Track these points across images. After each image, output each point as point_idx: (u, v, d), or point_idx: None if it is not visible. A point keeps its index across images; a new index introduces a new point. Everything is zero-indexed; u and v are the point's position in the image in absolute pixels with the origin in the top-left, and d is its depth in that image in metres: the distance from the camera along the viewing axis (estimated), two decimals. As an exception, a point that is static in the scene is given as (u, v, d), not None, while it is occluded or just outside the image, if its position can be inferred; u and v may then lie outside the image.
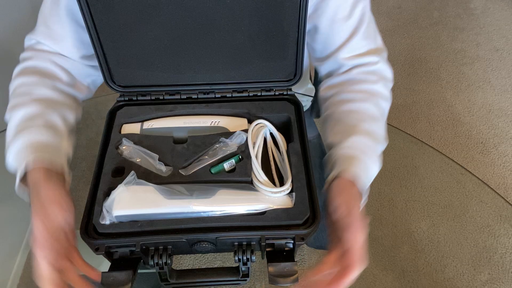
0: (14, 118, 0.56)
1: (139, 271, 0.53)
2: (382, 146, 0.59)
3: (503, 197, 0.85)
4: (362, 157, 0.54)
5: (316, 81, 0.99)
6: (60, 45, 0.63)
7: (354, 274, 0.46)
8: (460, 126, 1.64)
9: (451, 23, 2.06)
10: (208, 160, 0.57)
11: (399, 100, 1.72)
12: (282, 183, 0.56)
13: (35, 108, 0.56)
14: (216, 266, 1.11)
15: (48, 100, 0.58)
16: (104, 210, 0.51)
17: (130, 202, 0.51)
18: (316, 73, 1.01)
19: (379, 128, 0.59)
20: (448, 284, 0.94)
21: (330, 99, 0.64)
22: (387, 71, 0.65)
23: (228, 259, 1.06)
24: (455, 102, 1.73)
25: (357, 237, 0.47)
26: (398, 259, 1.00)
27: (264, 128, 0.61)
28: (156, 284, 0.82)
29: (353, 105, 0.60)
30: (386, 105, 0.63)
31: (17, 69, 0.63)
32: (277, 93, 0.64)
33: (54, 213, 0.48)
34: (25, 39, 0.65)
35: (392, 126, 1.00)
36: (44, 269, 0.45)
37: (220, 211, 0.51)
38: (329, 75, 0.67)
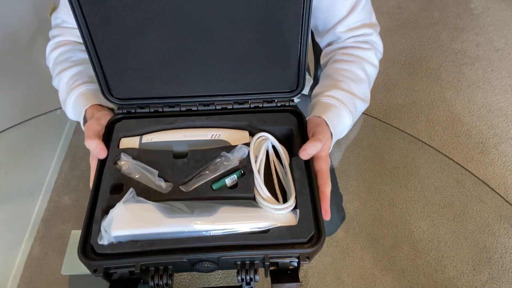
0: (62, 79, 0.67)
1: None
2: (362, 103, 0.67)
3: (503, 197, 0.85)
4: (338, 105, 0.63)
5: (316, 78, 0.99)
6: None
7: (328, 189, 0.54)
8: (460, 126, 1.64)
9: (451, 23, 2.06)
10: (209, 176, 0.55)
11: (399, 100, 1.72)
12: (285, 198, 0.55)
13: (77, 69, 0.67)
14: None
15: (85, 61, 0.69)
16: (102, 230, 0.49)
17: (129, 221, 0.49)
18: (316, 69, 1.02)
19: (362, 88, 0.67)
20: (448, 284, 0.94)
21: (327, 63, 0.73)
22: (379, 44, 0.73)
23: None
24: (455, 102, 1.73)
25: (324, 165, 0.56)
26: (398, 259, 1.00)
27: (266, 141, 0.59)
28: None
29: (342, 65, 0.69)
30: (372, 71, 0.71)
31: (50, 44, 0.73)
32: (279, 104, 0.63)
33: (105, 119, 0.61)
34: (52, 18, 0.75)
35: (392, 126, 1.00)
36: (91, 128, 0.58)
37: (222, 229, 0.49)
38: (328, 45, 0.76)
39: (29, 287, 1.16)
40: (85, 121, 0.63)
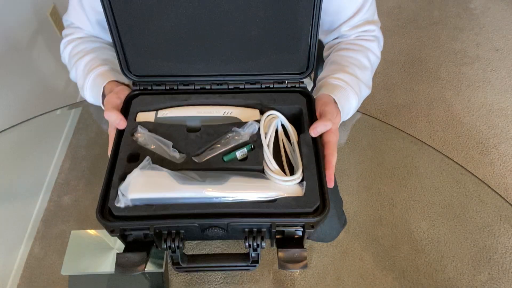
0: (78, 68, 0.71)
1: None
2: (366, 89, 0.70)
3: (503, 197, 0.85)
4: (345, 87, 0.65)
5: (315, 79, 0.99)
6: (86, 28, 0.77)
7: (334, 158, 0.56)
8: (460, 126, 1.65)
9: (451, 23, 2.06)
10: (220, 149, 0.58)
11: (399, 100, 1.72)
12: (292, 174, 0.57)
13: (91, 56, 0.72)
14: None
15: (97, 49, 0.74)
16: (119, 193, 0.52)
17: (145, 186, 0.52)
18: (316, 71, 1.01)
19: (366, 75, 0.70)
20: (448, 284, 0.94)
21: (331, 52, 0.76)
22: (381, 38, 0.77)
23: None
24: (455, 102, 1.73)
25: (332, 138, 0.59)
26: (398, 259, 1.00)
27: (276, 119, 0.62)
28: (155, 284, 0.82)
29: (347, 53, 0.72)
30: (375, 60, 0.75)
31: (63, 42, 0.77)
32: (289, 85, 0.65)
33: (123, 93, 0.64)
34: (63, 19, 0.80)
35: (392, 126, 1.00)
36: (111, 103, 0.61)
37: (232, 197, 0.52)
38: (332, 40, 0.79)
39: (29, 287, 1.16)
40: (103, 97, 0.66)
